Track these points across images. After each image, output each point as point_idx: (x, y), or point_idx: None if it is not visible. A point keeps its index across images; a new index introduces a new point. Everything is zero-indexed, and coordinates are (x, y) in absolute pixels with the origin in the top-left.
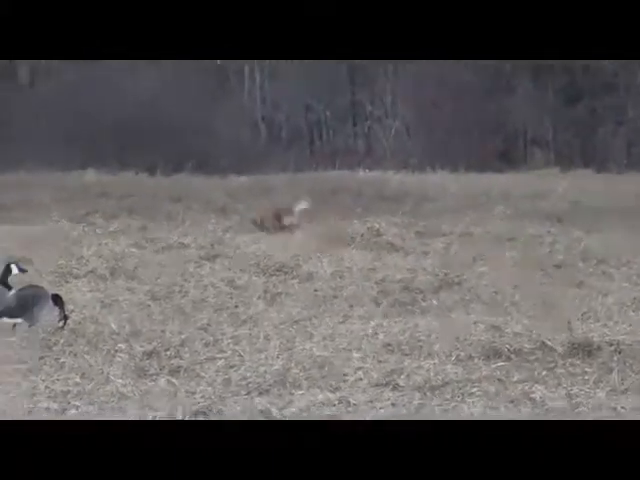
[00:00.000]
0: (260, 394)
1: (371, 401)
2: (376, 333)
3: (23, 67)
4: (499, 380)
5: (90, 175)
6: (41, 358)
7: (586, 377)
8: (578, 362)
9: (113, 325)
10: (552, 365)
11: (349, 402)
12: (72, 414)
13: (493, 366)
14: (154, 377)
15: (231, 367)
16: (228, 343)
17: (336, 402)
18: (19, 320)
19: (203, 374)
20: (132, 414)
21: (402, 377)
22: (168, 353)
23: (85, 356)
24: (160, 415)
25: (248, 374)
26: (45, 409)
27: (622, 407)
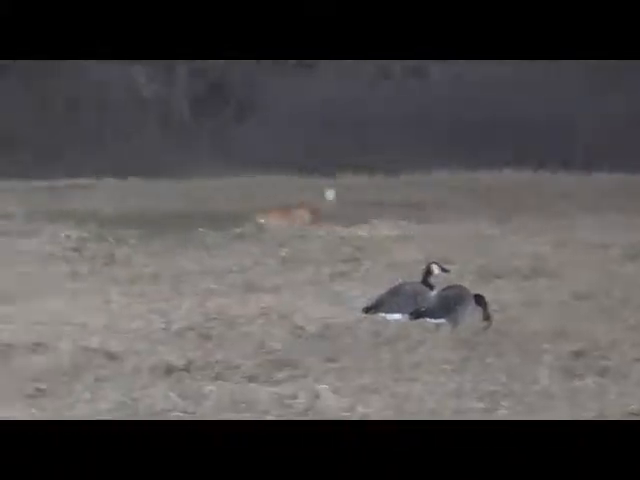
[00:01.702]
0: None
1: None
2: None
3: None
4: None
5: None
6: (466, 359)
7: None
8: None
9: (537, 325)
10: None
11: None
12: (501, 414)
13: None
14: (582, 377)
15: None
16: None
17: None
18: (442, 320)
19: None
20: (561, 414)
21: None
22: (596, 353)
23: (510, 356)
24: (591, 415)
25: None
26: (471, 409)
27: None
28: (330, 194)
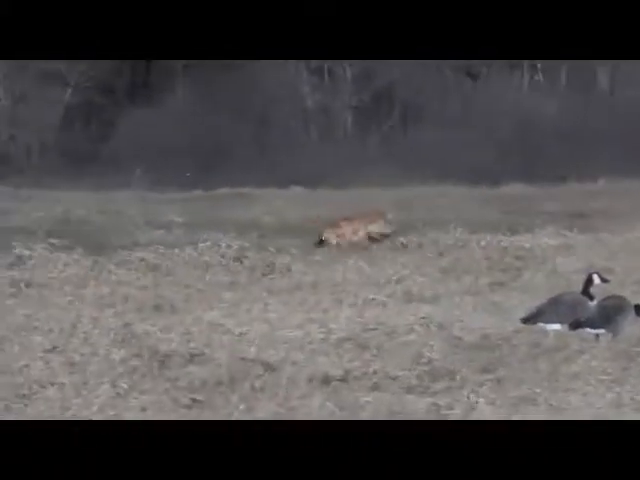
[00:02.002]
0: None
1: None
2: None
3: (603, 73)
4: None
5: None
6: (625, 369)
7: None
8: None
9: None
10: None
11: None
12: None
13: None
14: None
15: None
16: None
17: None
18: (602, 331)
19: None
20: None
21: None
22: None
23: None
24: None
25: None
26: (630, 419)
27: None
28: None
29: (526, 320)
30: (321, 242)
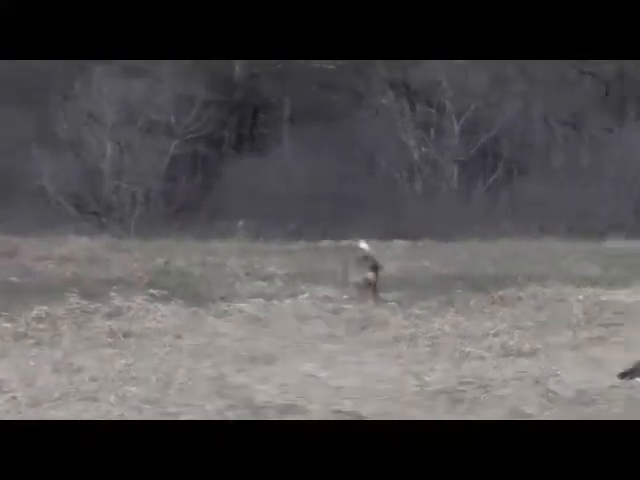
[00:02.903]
0: None
1: None
2: None
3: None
4: None
5: None
6: None
7: None
8: None
9: None
10: None
11: None
12: None
13: None
14: None
15: None
16: None
17: None
18: None
19: None
20: None
21: None
22: None
23: None
24: None
25: None
26: None
27: None
28: (364, 245)
29: (624, 375)
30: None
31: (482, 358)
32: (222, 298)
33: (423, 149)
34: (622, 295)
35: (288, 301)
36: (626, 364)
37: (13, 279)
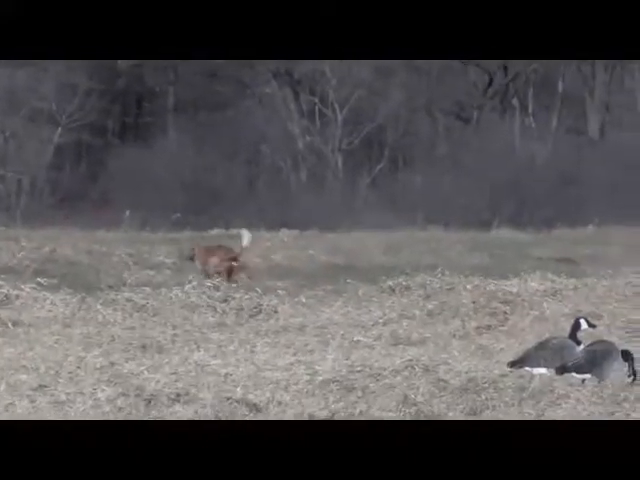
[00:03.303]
0: None
1: None
2: None
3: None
4: None
5: None
6: (611, 414)
7: None
8: None
9: None
10: None
11: None
12: None
13: None
14: None
15: None
16: None
17: None
18: (588, 375)
19: None
20: None
21: None
22: None
23: None
24: None
25: None
26: None
27: None
28: (245, 236)
29: (513, 364)
30: (191, 258)
31: (371, 347)
32: (110, 287)
33: (308, 138)
34: (510, 285)
35: (176, 290)
36: (514, 353)
37: None
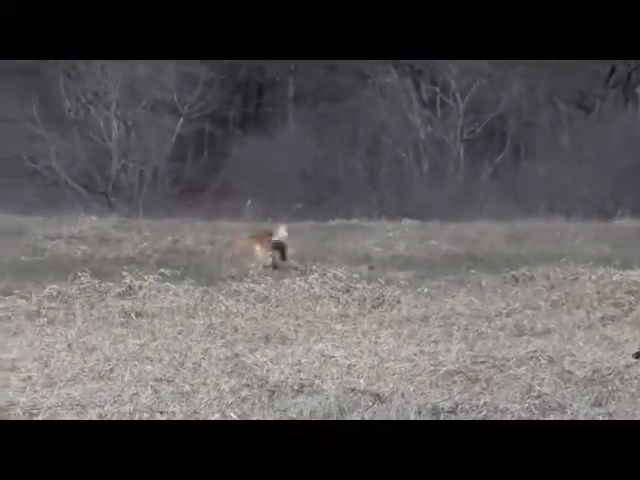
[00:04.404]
0: None
1: None
2: None
3: None
4: None
5: None
6: None
7: None
8: None
9: None
10: None
11: None
12: None
13: None
14: None
15: None
16: None
17: None
18: None
19: None
20: None
21: None
22: None
23: None
24: None
25: None
26: None
27: None
28: (282, 230)
29: (638, 355)
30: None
31: (495, 338)
32: (232, 277)
33: (429, 128)
34: (635, 274)
35: (301, 280)
36: None
37: (22, 258)
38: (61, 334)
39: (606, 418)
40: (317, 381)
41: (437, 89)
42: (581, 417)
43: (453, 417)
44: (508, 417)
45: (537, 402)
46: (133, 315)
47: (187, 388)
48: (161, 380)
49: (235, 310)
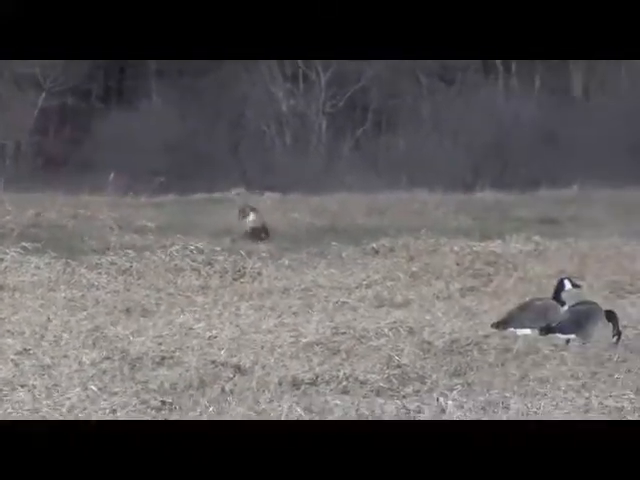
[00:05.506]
0: None
1: None
2: None
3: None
4: None
5: None
6: (594, 374)
7: None
8: None
9: None
10: None
11: None
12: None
13: None
14: None
15: None
16: None
17: None
18: (572, 336)
19: None
20: None
21: None
22: None
23: None
24: None
25: None
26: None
27: None
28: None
29: (497, 325)
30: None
31: (355, 309)
32: (94, 250)
33: (291, 101)
34: (494, 246)
35: (162, 253)
36: (498, 314)
37: None
38: None
39: (465, 388)
40: (178, 353)
41: (299, 62)
42: (441, 388)
43: (314, 389)
44: (368, 388)
45: (397, 372)
46: None
47: (48, 361)
48: (22, 353)
49: (96, 283)
